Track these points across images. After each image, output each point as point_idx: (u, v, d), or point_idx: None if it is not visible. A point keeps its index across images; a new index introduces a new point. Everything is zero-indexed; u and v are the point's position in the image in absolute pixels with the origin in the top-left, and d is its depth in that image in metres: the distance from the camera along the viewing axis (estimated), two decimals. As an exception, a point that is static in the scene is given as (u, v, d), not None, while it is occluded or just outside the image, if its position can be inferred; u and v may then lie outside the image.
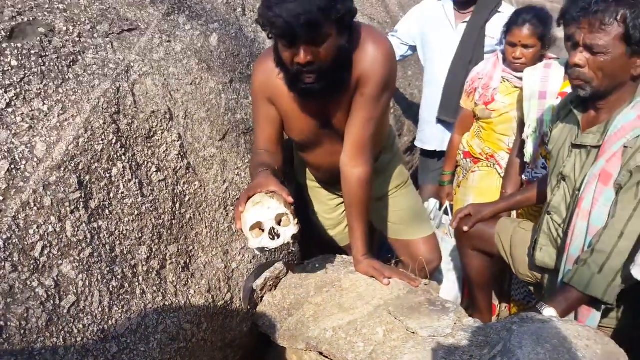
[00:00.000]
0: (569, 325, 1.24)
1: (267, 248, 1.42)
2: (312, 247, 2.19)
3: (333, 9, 1.43)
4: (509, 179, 2.24)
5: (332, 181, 1.94)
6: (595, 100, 1.52)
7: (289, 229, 1.43)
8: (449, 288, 2.43)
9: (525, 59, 2.22)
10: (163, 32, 1.77)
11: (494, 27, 2.56)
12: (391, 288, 1.69)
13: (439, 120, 2.75)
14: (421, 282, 1.75)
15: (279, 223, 1.43)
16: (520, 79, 2.20)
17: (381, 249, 2.69)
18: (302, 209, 2.23)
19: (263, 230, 1.42)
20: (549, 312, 1.45)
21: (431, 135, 2.84)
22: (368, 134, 1.69)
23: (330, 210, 2.15)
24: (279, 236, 1.42)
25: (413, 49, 2.83)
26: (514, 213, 2.29)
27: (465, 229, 1.95)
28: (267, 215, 1.40)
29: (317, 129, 1.78)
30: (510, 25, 2.22)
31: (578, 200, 1.51)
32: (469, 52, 2.55)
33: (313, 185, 2.13)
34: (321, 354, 1.62)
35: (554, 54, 2.37)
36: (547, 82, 2.10)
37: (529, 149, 2.09)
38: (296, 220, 1.46)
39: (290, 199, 1.47)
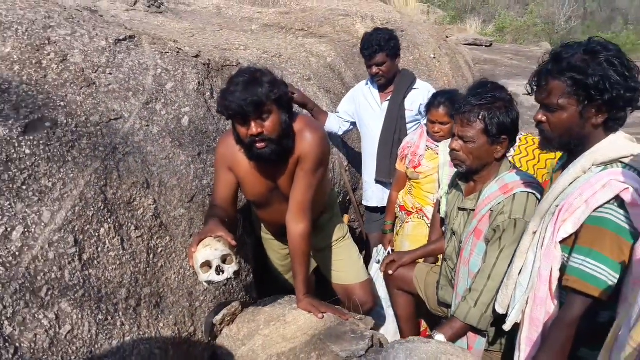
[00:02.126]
0: (439, 345, 1.66)
1: (213, 282, 1.80)
2: (269, 287, 2.60)
3: (271, 92, 1.94)
4: (433, 230, 2.69)
5: (281, 234, 2.37)
6: (471, 174, 2.01)
7: (232, 267, 1.82)
8: (390, 322, 2.82)
9: (442, 132, 2.71)
10: (143, 118, 2.23)
11: (412, 102, 3.13)
12: (324, 321, 2.09)
13: (377, 181, 3.24)
14: (351, 317, 2.15)
15: (224, 262, 1.82)
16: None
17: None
18: (263, 256, 2.66)
19: (211, 267, 1.80)
20: (439, 337, 1.87)
21: (372, 194, 3.33)
22: (308, 198, 2.14)
23: (282, 258, 2.58)
24: (223, 272, 1.81)
25: (354, 124, 3.35)
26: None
27: (390, 272, 2.39)
28: (214, 255, 1.77)
29: (267, 192, 2.23)
30: (429, 107, 2.73)
31: (460, 251, 1.97)
32: (393, 124, 3.09)
33: (267, 238, 2.56)
34: (268, 376, 2.01)
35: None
36: None
37: (443, 207, 2.55)
38: (238, 259, 1.86)
39: (234, 243, 1.87)
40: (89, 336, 1.66)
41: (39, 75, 1.99)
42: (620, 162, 1.45)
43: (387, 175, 3.11)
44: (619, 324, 1.08)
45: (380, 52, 3.01)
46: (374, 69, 3.07)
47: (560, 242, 1.50)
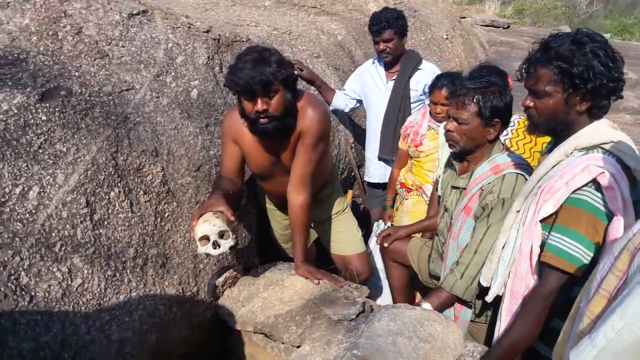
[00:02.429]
0: (424, 312, 1.77)
1: (210, 254, 1.93)
2: (270, 255, 2.72)
3: (279, 72, 2.03)
4: (431, 206, 2.77)
5: (283, 205, 2.48)
6: (464, 155, 2.09)
7: (228, 242, 1.93)
8: (386, 294, 2.94)
9: (444, 113, 2.75)
10: (153, 89, 2.34)
11: (417, 82, 3.19)
12: (320, 287, 2.20)
13: (380, 158, 3.33)
14: (346, 285, 2.26)
15: (221, 237, 1.93)
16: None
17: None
18: (265, 225, 2.78)
19: (209, 241, 1.93)
20: (426, 305, 1.98)
21: (375, 170, 3.43)
22: (308, 172, 2.25)
23: (283, 228, 2.69)
24: (220, 246, 1.93)
25: (360, 102, 3.42)
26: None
27: (385, 245, 2.49)
28: (212, 230, 1.89)
29: (270, 165, 2.34)
30: (432, 88, 2.80)
31: (450, 226, 2.07)
32: (398, 103, 3.16)
33: (270, 208, 2.68)
34: (265, 335, 2.14)
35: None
36: None
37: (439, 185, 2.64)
38: (234, 236, 1.97)
39: (232, 219, 1.98)
40: (98, 290, 1.80)
41: (55, 46, 2.10)
42: (601, 147, 1.51)
43: (390, 153, 3.19)
44: (581, 297, 1.17)
45: (388, 29, 3.07)
46: (381, 45, 3.14)
47: (541, 221, 1.58)
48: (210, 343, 2.39)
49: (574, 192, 1.50)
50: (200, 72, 2.64)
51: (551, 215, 1.56)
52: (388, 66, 3.26)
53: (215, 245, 1.90)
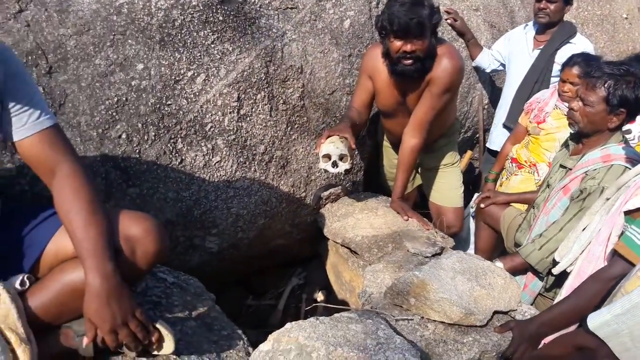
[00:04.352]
0: (491, 265, 1.93)
1: (328, 171, 2.22)
2: (374, 188, 2.99)
3: (432, 17, 2.19)
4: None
5: (398, 144, 2.68)
6: (582, 137, 2.11)
7: (345, 165, 2.19)
8: (470, 250, 3.08)
9: (571, 92, 2.65)
10: (313, 12, 2.59)
11: (563, 56, 2.99)
12: (408, 224, 2.43)
13: (505, 126, 3.32)
14: (432, 228, 2.46)
15: (341, 159, 2.20)
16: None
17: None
18: (375, 159, 3.03)
19: (330, 159, 2.21)
20: (498, 264, 2.13)
21: (496, 137, 3.42)
22: (427, 118, 2.41)
23: (393, 166, 2.91)
24: (337, 166, 2.21)
25: (503, 65, 3.38)
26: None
27: (482, 206, 2.62)
28: (335, 151, 2.17)
29: (396, 104, 2.53)
30: (564, 65, 2.70)
31: (546, 201, 2.14)
32: (537, 75, 3.07)
33: (386, 145, 2.90)
34: (349, 249, 2.45)
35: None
36: None
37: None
38: (352, 161, 2.23)
39: (354, 146, 2.24)
40: (231, 170, 2.20)
41: (243, -43, 2.41)
42: None
43: (516, 122, 3.18)
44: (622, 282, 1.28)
45: None
46: (542, 3, 3.05)
47: (625, 213, 1.64)
48: (304, 244, 2.78)
49: None
50: (358, 3, 2.82)
51: (638, 209, 1.61)
52: (540, 30, 3.16)
53: (335, 164, 2.18)
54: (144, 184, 1.99)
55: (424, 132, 2.44)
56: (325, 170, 2.23)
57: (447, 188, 2.78)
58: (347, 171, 2.23)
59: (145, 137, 1.98)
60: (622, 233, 1.64)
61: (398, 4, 2.17)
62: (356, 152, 2.51)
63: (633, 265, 1.56)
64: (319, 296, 2.72)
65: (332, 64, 2.63)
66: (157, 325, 1.30)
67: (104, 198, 1.91)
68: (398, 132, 2.60)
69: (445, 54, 2.31)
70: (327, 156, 2.19)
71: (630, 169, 1.94)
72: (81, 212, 1.23)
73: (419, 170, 2.91)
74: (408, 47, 2.20)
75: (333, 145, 2.18)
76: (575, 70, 2.61)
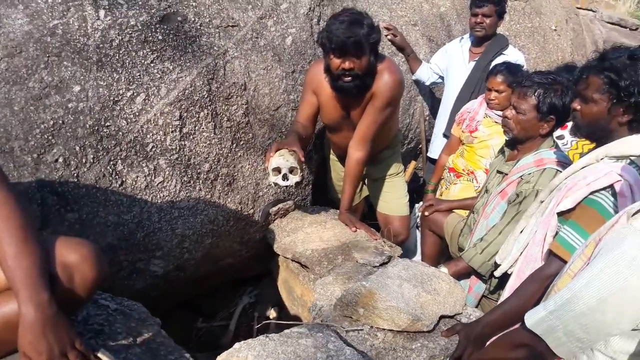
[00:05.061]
0: (436, 271, 1.98)
1: (278, 184, 2.22)
2: (322, 201, 3.01)
3: (370, 36, 2.23)
4: (482, 191, 2.91)
5: (344, 157, 2.73)
6: (516, 143, 2.22)
7: (295, 178, 2.21)
8: (416, 259, 3.14)
9: (497, 100, 2.80)
10: (254, 30, 2.60)
11: None
12: (356, 235, 2.47)
13: (445, 136, 3.44)
14: (380, 239, 2.50)
15: (291, 172, 2.22)
16: (500, 116, 2.83)
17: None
18: (323, 172, 3.05)
19: (279, 173, 2.22)
20: (443, 269, 2.19)
21: (437, 147, 3.53)
22: (371, 132, 2.47)
23: (340, 179, 2.93)
24: (288, 179, 2.22)
25: (442, 78, 3.51)
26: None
27: (426, 214, 2.70)
28: (284, 164, 2.18)
29: (340, 119, 2.57)
30: (489, 74, 2.84)
31: (485, 206, 2.23)
32: (473, 85, 3.23)
33: (333, 159, 2.94)
34: (300, 264, 2.46)
35: None
36: None
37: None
38: (301, 173, 2.25)
39: (303, 159, 2.26)
40: (175, 190, 2.16)
41: (181, -24, 2.40)
42: (629, 158, 1.62)
43: None
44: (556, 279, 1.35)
45: (491, 4, 3.13)
46: (479, 18, 3.20)
47: (558, 215, 1.72)
48: (254, 261, 2.76)
49: (592, 193, 1.63)
50: (299, 21, 2.87)
51: (569, 210, 1.69)
52: (475, 42, 3.31)
53: (285, 177, 2.19)
54: (83, 209, 1.93)
55: (368, 145, 2.49)
56: (276, 184, 2.23)
57: (393, 198, 2.84)
58: (297, 184, 2.24)
59: (84, 160, 1.92)
60: (556, 233, 1.73)
61: (337, 22, 2.22)
62: (304, 165, 2.53)
63: (565, 263, 1.64)
64: (272, 313, 2.70)
65: (275, 80, 2.65)
66: (99, 355, 1.25)
67: (40, 225, 1.83)
68: (344, 145, 2.64)
69: (386, 69, 2.38)
70: (277, 169, 2.20)
71: (561, 171, 2.04)
72: (12, 241, 1.17)
73: (366, 181, 2.96)
74: (347, 65, 2.25)
75: (282, 159, 2.19)
76: (499, 78, 2.74)
